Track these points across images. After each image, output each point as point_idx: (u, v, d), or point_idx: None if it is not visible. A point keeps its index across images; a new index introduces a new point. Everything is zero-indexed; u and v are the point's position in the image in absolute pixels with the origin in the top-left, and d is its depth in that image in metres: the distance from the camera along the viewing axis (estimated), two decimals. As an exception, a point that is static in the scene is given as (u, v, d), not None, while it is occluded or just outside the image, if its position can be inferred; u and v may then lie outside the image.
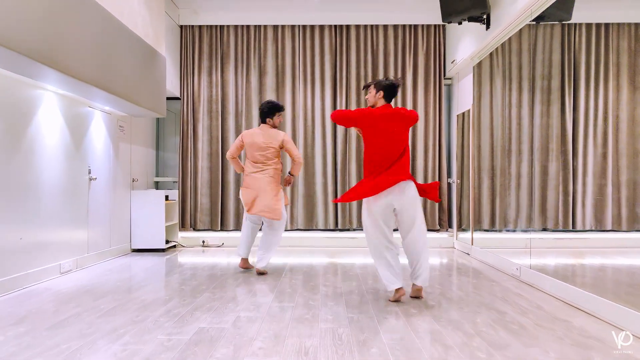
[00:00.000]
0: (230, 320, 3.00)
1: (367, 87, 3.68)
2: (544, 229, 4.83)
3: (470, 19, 4.77)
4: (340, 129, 6.65)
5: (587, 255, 4.98)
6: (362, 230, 6.68)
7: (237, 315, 3.10)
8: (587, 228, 4.85)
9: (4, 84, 3.70)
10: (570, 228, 4.91)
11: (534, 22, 4.39)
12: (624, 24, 4.44)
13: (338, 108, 6.67)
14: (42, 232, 4.15)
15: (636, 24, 4.38)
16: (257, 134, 4.47)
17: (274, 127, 4.55)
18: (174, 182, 6.97)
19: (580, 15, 4.66)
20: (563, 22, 4.67)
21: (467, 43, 5.76)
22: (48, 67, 3.35)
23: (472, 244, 5.81)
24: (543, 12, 4.25)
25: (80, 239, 4.76)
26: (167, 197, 6.16)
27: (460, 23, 4.91)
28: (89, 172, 4.94)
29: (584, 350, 2.47)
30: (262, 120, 4.55)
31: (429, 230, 6.72)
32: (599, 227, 4.80)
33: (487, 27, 4.87)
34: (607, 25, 4.61)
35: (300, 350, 2.45)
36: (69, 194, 4.57)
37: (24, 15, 3.09)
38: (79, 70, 3.74)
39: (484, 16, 4.77)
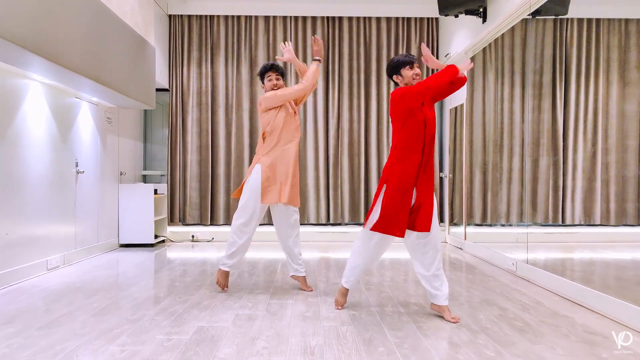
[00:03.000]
0: (230, 318, 2.92)
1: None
2: (534, 223, 4.86)
3: (467, 12, 4.74)
4: (332, 122, 6.58)
5: (576, 249, 5.03)
6: (353, 224, 6.64)
7: (235, 313, 3.02)
8: (577, 222, 4.90)
9: (-11, 72, 3.55)
10: (560, 222, 4.96)
11: (530, 17, 4.37)
12: (614, 19, 4.47)
13: (330, 101, 6.59)
14: (28, 227, 4.00)
15: (626, 20, 4.41)
16: None
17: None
18: (161, 175, 6.84)
19: (573, 9, 4.67)
20: (557, 17, 4.67)
21: (461, 36, 5.73)
22: (38, 55, 3.21)
23: (465, 239, 5.81)
24: (541, 5, 4.22)
25: (67, 234, 4.62)
26: (155, 191, 6.03)
27: (456, 16, 4.87)
28: (76, 165, 4.79)
29: (590, 346, 2.46)
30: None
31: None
32: (588, 222, 4.85)
33: (484, 21, 4.84)
34: (597, 20, 4.63)
35: (305, 349, 2.40)
36: (56, 188, 4.42)
37: (14, 1, 2.95)
38: (69, 59, 3.60)
39: (481, 9, 4.74)
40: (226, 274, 3.58)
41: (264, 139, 3.55)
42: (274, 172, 3.47)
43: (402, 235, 2.89)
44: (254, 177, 3.47)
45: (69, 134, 4.66)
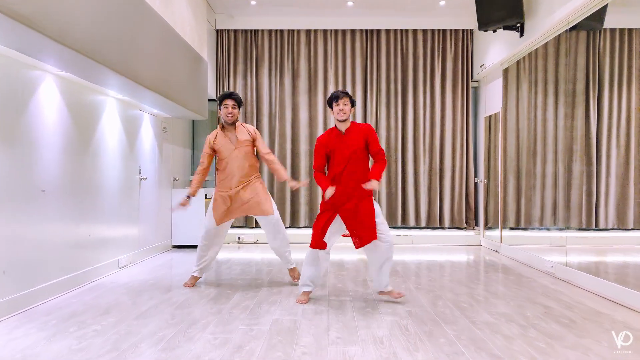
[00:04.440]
0: (299, 312, 3.24)
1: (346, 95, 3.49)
2: (569, 227, 5.05)
3: (506, 28, 4.99)
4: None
5: (610, 252, 5.21)
6: (392, 227, 6.92)
7: (302, 308, 3.35)
8: (610, 227, 5.09)
9: (75, 90, 3.95)
10: (594, 227, 5.14)
11: (568, 31, 4.60)
12: (647, 29, 4.64)
13: (368, 110, 6.90)
14: (104, 228, 4.41)
15: (660, 30, 4.59)
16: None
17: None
18: (206, 180, 7.20)
19: (606, 19, 4.86)
20: (593, 29, 4.87)
21: (497, 49, 5.98)
22: (120, 75, 3.59)
23: (501, 242, 6.04)
24: (579, 22, 4.45)
25: (133, 235, 5.02)
26: (205, 196, 6.41)
27: (494, 31, 5.13)
28: (140, 172, 5.19)
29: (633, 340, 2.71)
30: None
31: (456, 228, 6.96)
32: (621, 226, 5.03)
33: (521, 35, 5.08)
34: (630, 30, 4.82)
35: (375, 340, 2.70)
36: (125, 193, 4.83)
37: (105, 28, 3.33)
38: (144, 77, 3.99)
39: (519, 25, 4.98)
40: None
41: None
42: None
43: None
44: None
45: (135, 143, 5.07)
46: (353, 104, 3.47)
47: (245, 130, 4.00)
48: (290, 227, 6.92)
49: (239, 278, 4.37)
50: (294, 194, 6.92)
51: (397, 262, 5.17)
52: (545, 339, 2.71)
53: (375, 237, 3.33)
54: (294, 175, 6.94)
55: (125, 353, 2.48)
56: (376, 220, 3.37)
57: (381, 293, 3.58)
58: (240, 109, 4.01)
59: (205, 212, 6.38)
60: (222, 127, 3.98)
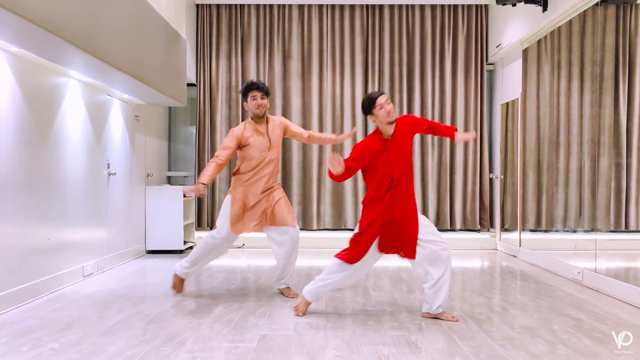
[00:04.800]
0: (291, 326, 3.14)
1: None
2: (596, 229, 4.98)
3: (527, 1, 4.90)
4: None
5: (640, 257, 5.16)
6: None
7: (295, 322, 3.24)
8: (641, 228, 5.02)
9: (31, 70, 3.82)
10: (624, 228, 5.07)
11: (599, 4, 4.50)
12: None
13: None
14: (66, 232, 4.28)
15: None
16: None
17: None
18: (185, 176, 7.09)
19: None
20: (625, 3, 4.78)
21: (517, 26, 5.89)
22: (85, 52, 3.45)
23: (520, 245, 5.96)
24: (609, -6, 4.36)
25: (100, 239, 4.89)
26: (184, 196, 6.28)
27: (514, 5, 5.04)
28: (108, 167, 5.06)
29: (677, 358, 2.62)
30: None
31: (469, 230, 6.88)
32: (656, 228, 4.97)
33: (545, 9, 4.99)
34: (668, 5, 4.74)
35: (380, 358, 2.60)
36: (90, 191, 4.70)
37: (66, -2, 3.20)
38: (112, 56, 3.85)
39: (542, -3, 4.89)
40: None
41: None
42: None
43: None
44: None
45: (103, 133, 4.94)
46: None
47: (277, 126, 3.93)
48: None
49: (223, 287, 4.26)
50: (285, 192, 6.79)
51: (402, 269, 5.08)
52: (578, 357, 2.62)
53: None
54: (285, 174, 6.82)
55: (87, 376, 2.36)
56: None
57: (428, 315, 3.39)
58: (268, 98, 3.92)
59: (184, 214, 6.27)
60: (252, 120, 3.86)
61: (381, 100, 3.23)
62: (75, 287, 4.20)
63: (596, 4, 4.51)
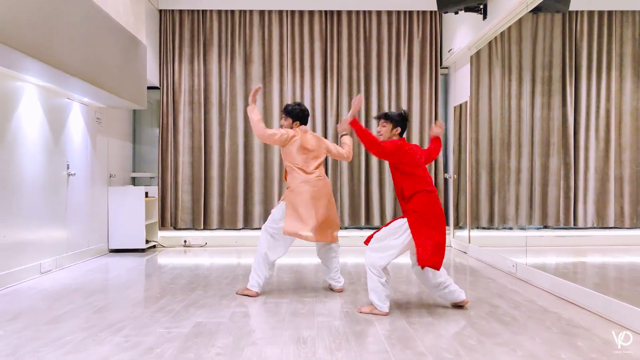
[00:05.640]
0: (227, 315, 3.40)
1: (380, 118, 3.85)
2: (545, 226, 5.28)
3: (467, 9, 5.21)
4: (331, 121, 7.05)
5: (588, 253, 5.46)
6: (353, 228, 7.12)
7: (232, 311, 3.50)
8: (589, 225, 5.32)
9: (-13, 76, 4.04)
10: (572, 225, 5.37)
11: (531, 14, 4.82)
12: (627, 11, 4.87)
13: (328, 99, 7.07)
14: (22, 230, 4.49)
15: (641, 11, 4.81)
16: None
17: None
18: (150, 177, 7.31)
19: (581, 2, 5.08)
20: (557, 11, 5.09)
21: (463, 32, 6.21)
22: (38, 60, 3.69)
23: (469, 242, 6.28)
24: (540, 3, 4.67)
25: (59, 238, 5.10)
26: (146, 194, 6.51)
27: (456, 13, 5.35)
28: (68, 168, 5.28)
29: (569, 337, 2.93)
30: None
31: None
32: (601, 224, 5.26)
33: (484, 17, 5.31)
34: (610, 12, 5.05)
35: (298, 339, 2.87)
36: (48, 191, 4.91)
37: (17, 6, 3.43)
38: (66, 63, 4.08)
39: (481, 6, 5.21)
40: None
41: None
42: None
43: None
44: None
45: (61, 135, 5.16)
46: (397, 124, 3.78)
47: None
48: (243, 228, 7.06)
49: (175, 283, 4.50)
50: (247, 192, 7.05)
51: (351, 265, 5.36)
52: (479, 337, 2.91)
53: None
54: (247, 175, 7.06)
55: (24, 357, 2.59)
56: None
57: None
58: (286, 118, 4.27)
59: (147, 214, 6.49)
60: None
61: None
62: (31, 283, 4.41)
63: (531, 12, 4.81)
